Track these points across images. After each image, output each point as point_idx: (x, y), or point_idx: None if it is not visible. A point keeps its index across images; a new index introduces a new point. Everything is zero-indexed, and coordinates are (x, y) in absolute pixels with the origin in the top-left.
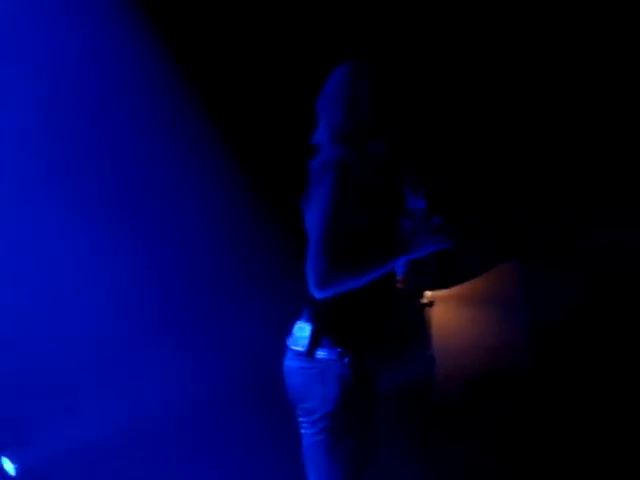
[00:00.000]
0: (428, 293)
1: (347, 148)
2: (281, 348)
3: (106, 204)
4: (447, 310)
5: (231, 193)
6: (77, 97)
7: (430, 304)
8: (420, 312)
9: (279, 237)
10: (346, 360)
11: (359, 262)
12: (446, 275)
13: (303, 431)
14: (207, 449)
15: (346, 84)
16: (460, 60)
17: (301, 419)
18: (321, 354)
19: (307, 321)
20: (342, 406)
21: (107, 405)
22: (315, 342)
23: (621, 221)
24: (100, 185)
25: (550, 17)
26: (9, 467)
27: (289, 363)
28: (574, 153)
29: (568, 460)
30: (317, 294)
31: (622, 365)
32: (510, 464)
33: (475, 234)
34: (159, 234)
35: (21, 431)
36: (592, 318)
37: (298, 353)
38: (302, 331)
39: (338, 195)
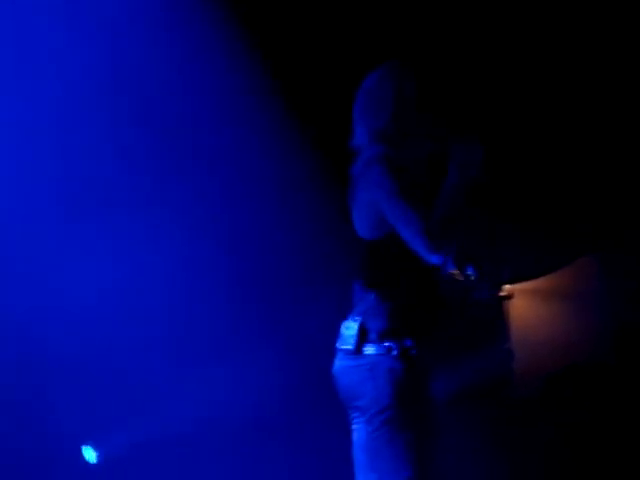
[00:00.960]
0: (507, 286)
1: (389, 147)
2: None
3: (166, 204)
4: (526, 304)
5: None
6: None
7: (509, 297)
8: (498, 305)
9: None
10: (394, 353)
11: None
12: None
13: (357, 428)
14: (275, 449)
15: (389, 85)
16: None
17: (355, 417)
18: (369, 350)
19: (353, 319)
20: (396, 400)
21: (183, 402)
22: (362, 338)
23: None
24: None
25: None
26: (91, 456)
27: (339, 363)
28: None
29: None
30: (435, 263)
31: None
32: (588, 459)
33: (555, 229)
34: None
35: (103, 422)
36: None
37: (347, 352)
38: (349, 329)
39: (393, 175)
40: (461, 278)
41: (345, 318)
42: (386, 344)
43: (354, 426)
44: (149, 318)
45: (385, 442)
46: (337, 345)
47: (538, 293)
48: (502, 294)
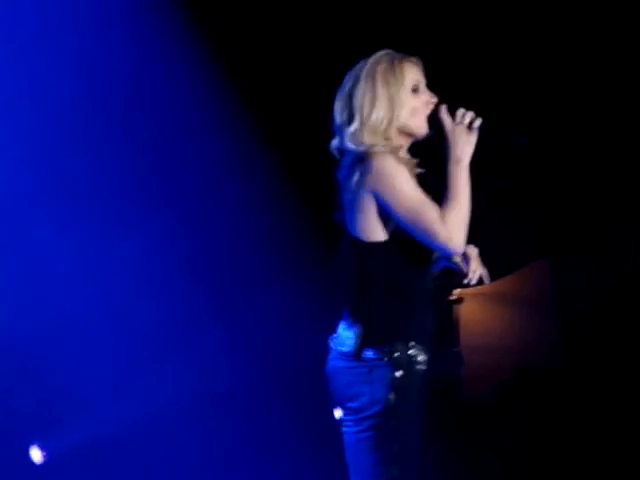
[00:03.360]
0: (457, 290)
1: (377, 143)
2: (307, 347)
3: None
4: (476, 307)
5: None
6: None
7: (459, 300)
8: (448, 309)
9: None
10: (394, 359)
11: (451, 200)
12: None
13: (346, 429)
14: (214, 447)
15: (373, 80)
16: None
17: (345, 418)
18: (368, 354)
19: (353, 321)
20: (390, 406)
21: (125, 401)
22: (362, 342)
23: None
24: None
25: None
26: (36, 456)
27: (334, 363)
28: (606, 156)
29: (597, 459)
30: (457, 250)
31: None
32: (535, 464)
33: (506, 232)
34: (185, 233)
35: (47, 423)
36: (624, 317)
37: (344, 353)
38: (348, 331)
39: (396, 168)
40: (463, 268)
41: (342, 318)
42: (385, 349)
43: (344, 429)
44: (96, 314)
45: (370, 447)
46: (333, 345)
47: (489, 297)
48: (452, 298)
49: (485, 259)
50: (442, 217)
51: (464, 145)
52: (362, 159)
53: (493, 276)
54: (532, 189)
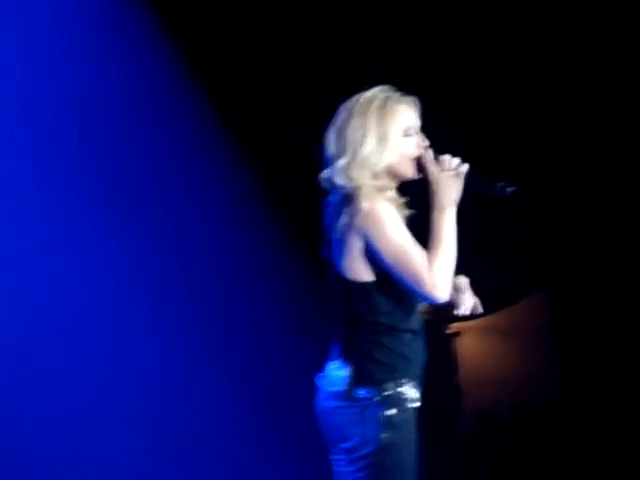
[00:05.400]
0: (454, 324)
1: (365, 182)
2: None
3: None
4: (474, 341)
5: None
6: (77, 97)
7: (456, 334)
8: (446, 342)
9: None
10: (385, 398)
11: (437, 248)
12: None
13: (340, 469)
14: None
15: (366, 117)
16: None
17: (338, 457)
18: (360, 393)
19: (343, 361)
20: (383, 445)
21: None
22: (354, 382)
23: None
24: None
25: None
26: None
27: (325, 403)
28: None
29: None
30: (441, 299)
31: None
32: None
33: (504, 265)
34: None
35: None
36: (623, 350)
37: (335, 393)
38: (338, 371)
39: (385, 210)
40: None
41: (330, 357)
42: (378, 388)
43: (336, 469)
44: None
45: None
46: (320, 385)
47: (486, 330)
48: (450, 331)
49: (482, 292)
50: (428, 265)
51: (449, 193)
52: (351, 199)
53: (490, 309)
54: (527, 221)
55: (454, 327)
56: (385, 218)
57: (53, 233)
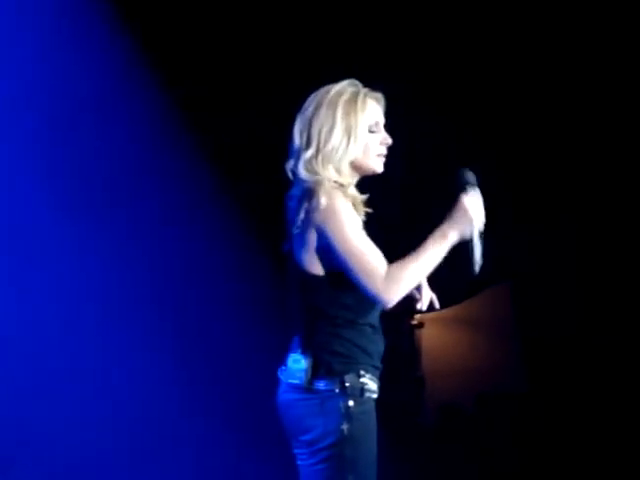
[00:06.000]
0: (418, 315)
1: (328, 176)
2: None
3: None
4: (437, 332)
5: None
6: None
7: (420, 325)
8: (410, 333)
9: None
10: (345, 389)
11: (411, 261)
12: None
13: (301, 462)
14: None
15: (334, 110)
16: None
17: (299, 451)
18: (320, 385)
19: (302, 353)
20: (344, 436)
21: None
22: (312, 373)
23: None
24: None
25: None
26: None
27: (285, 396)
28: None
29: None
30: (388, 304)
31: (616, 385)
32: None
33: (467, 255)
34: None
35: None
36: (585, 338)
37: (294, 386)
38: (297, 363)
39: (344, 207)
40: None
41: (290, 350)
42: (337, 379)
43: (299, 462)
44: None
45: (325, 478)
46: (282, 378)
47: (450, 321)
48: (413, 322)
49: (444, 283)
50: (387, 270)
51: (461, 227)
52: (311, 194)
53: (453, 300)
54: (490, 211)
55: (418, 318)
56: (343, 215)
57: (21, 239)
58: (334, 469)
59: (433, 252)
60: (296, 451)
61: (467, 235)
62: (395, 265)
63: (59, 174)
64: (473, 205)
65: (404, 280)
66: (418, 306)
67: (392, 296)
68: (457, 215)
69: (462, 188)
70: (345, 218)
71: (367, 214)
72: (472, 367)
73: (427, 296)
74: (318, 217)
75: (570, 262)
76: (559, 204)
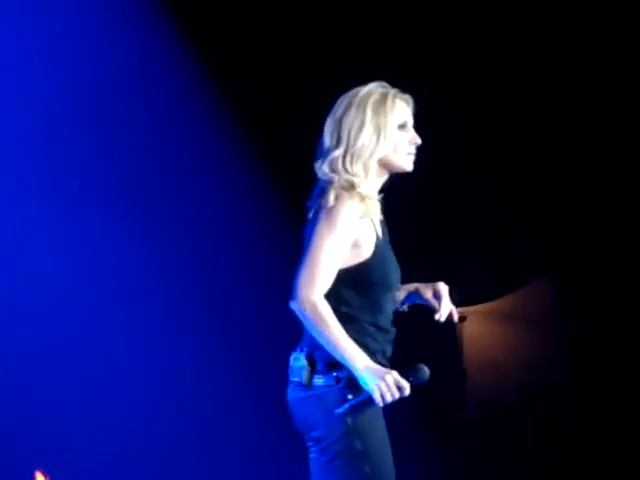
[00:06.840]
0: (460, 308)
1: (356, 174)
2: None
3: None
4: (479, 326)
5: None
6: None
7: (462, 319)
8: (451, 327)
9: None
10: (342, 384)
11: (334, 321)
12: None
13: (313, 456)
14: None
15: (364, 109)
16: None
17: (311, 447)
18: (318, 381)
19: (301, 350)
20: (349, 428)
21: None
22: (311, 370)
23: None
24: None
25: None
26: None
27: (292, 395)
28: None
29: (602, 476)
30: (291, 306)
31: None
32: None
33: (507, 249)
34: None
35: (55, 446)
36: (628, 334)
37: (297, 384)
38: (298, 361)
39: (344, 214)
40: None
41: (294, 349)
42: (334, 374)
43: (311, 455)
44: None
45: (341, 474)
46: (289, 376)
47: (492, 315)
48: (456, 316)
49: (488, 277)
50: (320, 298)
51: (367, 375)
52: (323, 193)
53: (495, 294)
54: (533, 206)
55: (459, 311)
56: (338, 221)
57: (51, 231)
58: (348, 463)
59: (341, 349)
60: (309, 444)
61: (366, 383)
62: (326, 306)
63: (92, 161)
64: (392, 387)
65: (314, 318)
66: (436, 317)
67: (300, 305)
68: (378, 371)
69: (408, 377)
70: (338, 225)
71: (384, 209)
72: (514, 361)
73: (447, 308)
74: (321, 214)
75: (612, 256)
76: (605, 201)
